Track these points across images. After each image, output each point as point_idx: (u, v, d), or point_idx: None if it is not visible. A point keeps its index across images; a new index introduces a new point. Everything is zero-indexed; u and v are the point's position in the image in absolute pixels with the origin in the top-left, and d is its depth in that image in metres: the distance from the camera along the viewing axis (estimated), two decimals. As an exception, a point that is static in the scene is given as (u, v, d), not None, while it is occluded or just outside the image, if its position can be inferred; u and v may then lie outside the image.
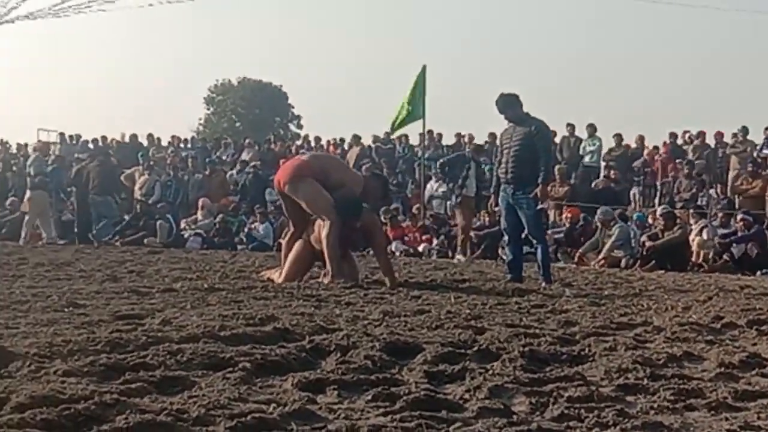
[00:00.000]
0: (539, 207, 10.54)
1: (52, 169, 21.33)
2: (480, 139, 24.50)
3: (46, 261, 12.40)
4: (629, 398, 3.81)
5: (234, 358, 4.34)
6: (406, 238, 19.22)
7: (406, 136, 24.71)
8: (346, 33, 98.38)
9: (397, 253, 17.61)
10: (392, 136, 24.57)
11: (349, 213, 9.62)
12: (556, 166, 20.32)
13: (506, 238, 10.99)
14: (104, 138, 28.54)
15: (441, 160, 18.63)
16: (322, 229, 9.56)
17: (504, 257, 16.64)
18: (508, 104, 10.32)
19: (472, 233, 18.27)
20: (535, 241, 10.57)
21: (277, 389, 3.85)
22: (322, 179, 9.66)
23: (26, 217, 20.01)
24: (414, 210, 20.81)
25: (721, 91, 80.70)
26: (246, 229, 20.53)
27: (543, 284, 9.97)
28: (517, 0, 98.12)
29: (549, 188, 11.06)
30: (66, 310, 6.39)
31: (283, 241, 10.60)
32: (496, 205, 10.91)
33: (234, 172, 24.42)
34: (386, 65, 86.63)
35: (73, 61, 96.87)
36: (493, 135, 24.09)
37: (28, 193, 20.21)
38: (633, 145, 22.41)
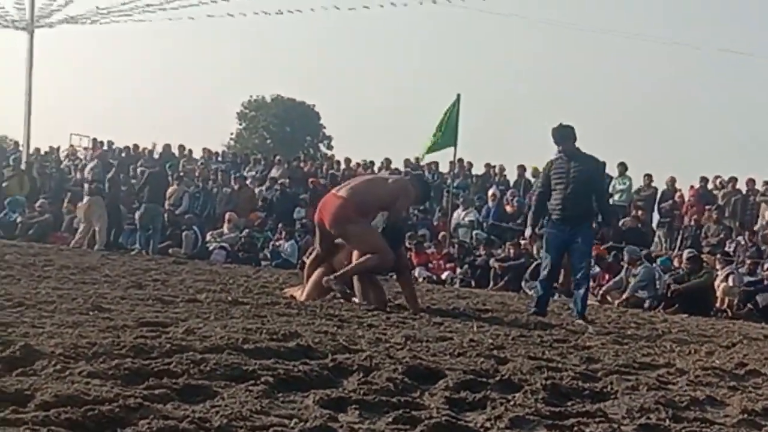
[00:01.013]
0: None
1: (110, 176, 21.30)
2: (510, 171, 24.55)
3: (71, 264, 12.48)
4: (650, 438, 3.79)
5: (257, 371, 4.35)
6: (430, 265, 19.23)
7: (437, 164, 24.78)
8: (382, 57, 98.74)
9: (420, 279, 17.61)
10: (422, 162, 24.60)
11: (396, 244, 9.71)
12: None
13: (544, 273, 10.56)
14: (136, 147, 28.71)
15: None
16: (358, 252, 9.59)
17: (530, 290, 16.66)
18: (566, 136, 10.07)
19: (496, 264, 18.25)
20: (582, 278, 10.32)
21: (298, 405, 3.85)
22: (366, 211, 9.71)
23: (81, 223, 20.03)
24: (440, 237, 20.80)
25: (756, 137, 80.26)
26: (271, 246, 20.59)
27: (576, 320, 9.87)
28: (553, 36, 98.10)
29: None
30: (91, 313, 6.43)
31: (307, 260, 10.63)
32: (534, 239, 10.79)
33: (263, 188, 24.50)
34: (420, 91, 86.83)
35: (110, 67, 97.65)
36: (522, 167, 24.12)
37: (85, 199, 20.22)
38: (663, 187, 22.36)
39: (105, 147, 30.27)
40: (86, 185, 20.25)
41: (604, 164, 10.20)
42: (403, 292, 10.04)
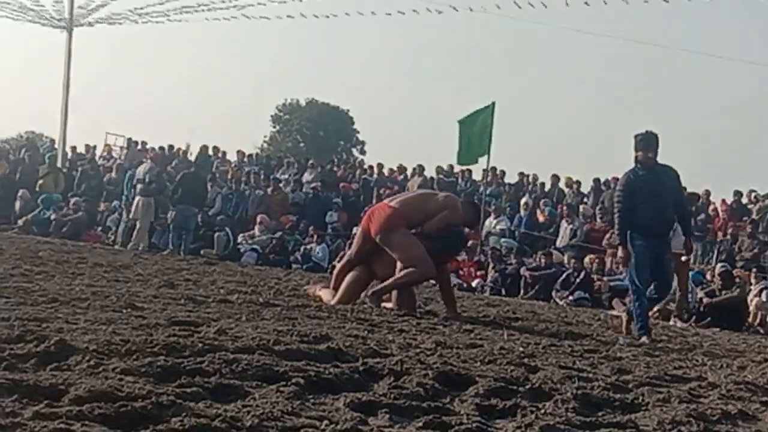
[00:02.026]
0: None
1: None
2: (544, 181, 24.49)
3: (105, 262, 12.57)
4: (681, 451, 3.76)
5: (288, 372, 4.36)
6: (460, 272, 19.19)
7: (470, 171, 24.73)
8: (417, 63, 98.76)
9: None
10: (457, 169, 24.56)
11: (455, 250, 9.72)
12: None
13: (636, 289, 9.94)
14: (171, 147, 28.88)
15: None
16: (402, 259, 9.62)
17: (560, 300, 16.59)
18: (652, 144, 9.69)
19: (526, 273, 18.19)
20: (660, 291, 10.08)
21: (329, 407, 3.86)
22: (413, 224, 9.75)
23: (138, 223, 20.14)
24: (470, 244, 20.76)
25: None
26: (302, 249, 20.64)
27: (642, 338, 9.48)
28: (589, 45, 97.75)
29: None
30: (124, 310, 6.48)
31: (337, 264, 10.66)
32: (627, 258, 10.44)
33: (295, 191, 24.56)
34: (455, 98, 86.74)
35: (147, 67, 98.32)
36: (555, 177, 24.05)
37: (137, 199, 20.30)
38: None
39: (139, 147, 30.49)
40: (139, 186, 20.24)
41: (678, 175, 9.85)
42: (442, 295, 10.04)
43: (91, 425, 3.01)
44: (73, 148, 30.67)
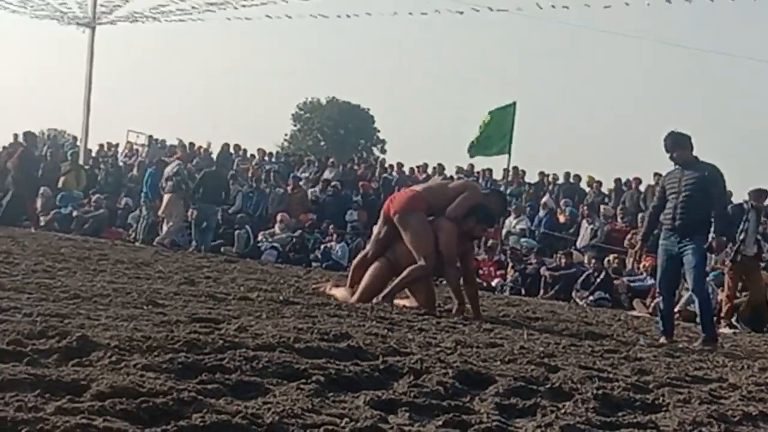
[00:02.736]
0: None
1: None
2: (561, 179, 24.41)
3: (126, 259, 12.62)
4: (702, 452, 3.75)
5: (308, 370, 4.37)
6: (480, 272, 19.16)
7: (490, 170, 24.69)
8: (438, 63, 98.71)
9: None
10: (476, 166, 24.50)
11: (489, 222, 10.15)
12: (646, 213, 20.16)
13: (658, 288, 10.22)
14: (192, 144, 28.96)
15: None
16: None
17: (580, 300, 16.56)
18: (678, 144, 9.58)
19: (546, 272, 18.16)
20: (694, 296, 9.85)
21: (349, 405, 3.86)
22: (433, 209, 9.79)
23: (169, 220, 20.15)
24: (490, 244, 20.74)
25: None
26: (322, 248, 20.66)
27: (700, 344, 9.34)
28: (613, 44, 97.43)
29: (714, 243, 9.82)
30: (145, 307, 6.51)
31: (354, 262, 10.64)
32: (641, 253, 10.43)
33: (315, 189, 24.58)
34: (476, 98, 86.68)
35: (168, 66, 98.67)
36: (578, 177, 23.98)
37: (166, 197, 20.25)
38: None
39: (159, 145, 30.62)
40: (168, 182, 20.20)
41: (718, 170, 9.56)
42: (466, 293, 10.00)
43: (113, 420, 3.02)
44: (101, 146, 30.83)
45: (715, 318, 14.76)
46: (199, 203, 19.87)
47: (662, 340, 9.34)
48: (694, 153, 9.64)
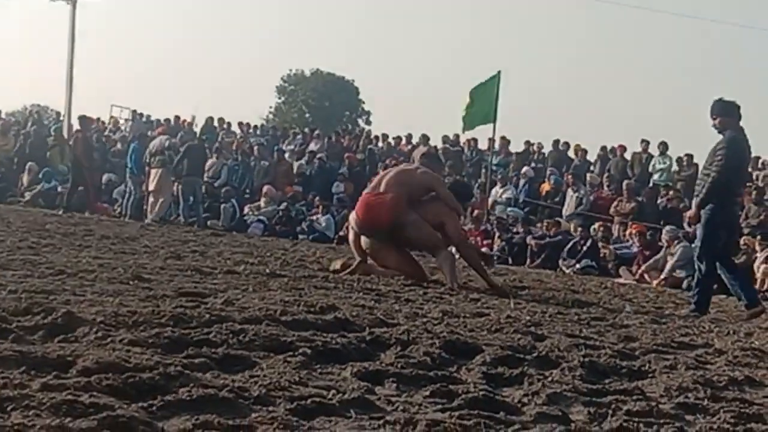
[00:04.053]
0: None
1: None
2: (548, 149, 24.43)
3: (111, 234, 12.60)
4: (689, 417, 3.75)
5: (295, 342, 4.37)
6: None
7: (475, 140, 24.64)
8: (422, 33, 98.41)
9: (458, 256, 17.55)
10: (463, 135, 24.46)
11: (465, 198, 10.30)
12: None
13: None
14: (177, 118, 28.83)
15: None
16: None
17: (566, 269, 16.61)
18: (725, 111, 9.30)
19: (533, 241, 18.18)
20: (702, 265, 9.51)
21: (336, 377, 3.87)
22: (414, 201, 9.86)
23: (158, 196, 19.98)
24: (476, 214, 20.73)
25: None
26: (308, 220, 20.64)
27: (690, 309, 9.28)
28: (595, 13, 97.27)
29: (696, 211, 9.43)
30: (131, 282, 6.51)
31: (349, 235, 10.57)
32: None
33: (301, 162, 24.51)
34: (460, 68, 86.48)
35: (151, 39, 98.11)
36: (566, 144, 23.99)
37: (153, 172, 20.03)
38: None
39: (144, 119, 30.47)
40: (153, 158, 20.01)
41: (735, 140, 9.18)
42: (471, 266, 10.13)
43: (99, 396, 3.02)
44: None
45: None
46: (185, 177, 19.82)
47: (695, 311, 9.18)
48: (741, 123, 9.35)
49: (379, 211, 9.69)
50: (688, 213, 9.21)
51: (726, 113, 9.28)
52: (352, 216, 10.16)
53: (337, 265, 10.05)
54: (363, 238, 9.89)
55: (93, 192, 21.13)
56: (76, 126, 28.79)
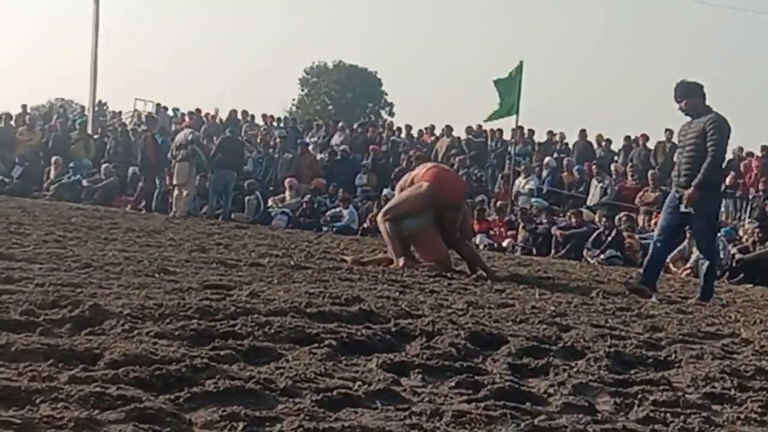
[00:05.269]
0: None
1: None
2: (571, 139, 24.34)
3: (136, 227, 12.65)
4: (715, 407, 3.74)
5: (320, 334, 4.39)
6: (491, 232, 19.15)
7: (500, 131, 24.59)
8: (445, 23, 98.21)
9: (482, 247, 17.54)
10: (484, 126, 24.40)
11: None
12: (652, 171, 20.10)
13: (656, 236, 9.71)
14: (198, 111, 28.90)
15: None
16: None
17: (591, 259, 16.57)
18: (688, 92, 9.15)
19: (557, 232, 18.12)
20: (702, 256, 9.43)
21: (362, 368, 3.88)
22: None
23: (182, 189, 19.92)
24: (500, 204, 20.69)
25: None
26: (331, 212, 20.64)
27: (697, 299, 9.06)
28: (617, 2, 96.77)
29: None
30: (157, 275, 6.54)
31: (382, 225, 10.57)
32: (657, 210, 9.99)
33: (324, 154, 24.51)
34: (482, 58, 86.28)
35: (175, 33, 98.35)
36: (583, 132, 23.90)
37: (178, 165, 19.75)
38: (729, 156, 22.10)
39: (170, 113, 30.54)
40: (178, 151, 19.97)
41: (720, 120, 8.98)
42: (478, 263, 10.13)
43: (127, 388, 3.04)
44: (102, 106, 30.80)
45: (728, 272, 14.79)
46: (218, 169, 19.90)
47: (638, 286, 9.15)
48: (707, 103, 9.25)
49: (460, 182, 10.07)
50: (687, 193, 8.92)
51: (691, 94, 9.18)
52: (431, 186, 10.03)
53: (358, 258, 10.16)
54: (411, 221, 9.94)
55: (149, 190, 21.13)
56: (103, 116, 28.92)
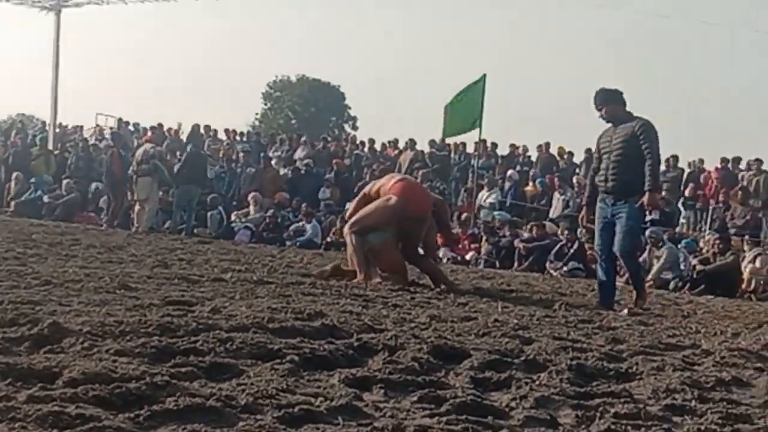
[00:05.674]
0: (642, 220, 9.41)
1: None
2: (532, 151, 24.48)
3: (98, 243, 12.56)
4: (676, 419, 3.76)
5: (282, 350, 4.37)
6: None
7: (464, 144, 24.65)
8: (408, 38, 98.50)
9: (445, 260, 17.57)
10: (446, 141, 24.44)
11: None
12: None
13: (599, 256, 9.59)
14: (161, 125, 28.78)
15: None
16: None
17: (554, 271, 16.64)
18: (608, 99, 9.20)
19: (520, 244, 18.19)
20: (622, 261, 9.47)
21: (324, 384, 3.86)
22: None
23: (144, 204, 19.77)
24: (463, 218, 20.74)
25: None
26: (294, 226, 20.61)
27: (633, 305, 9.18)
28: (575, 15, 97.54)
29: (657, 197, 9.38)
30: (118, 292, 6.48)
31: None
32: (587, 219, 9.92)
33: (288, 168, 24.47)
34: (446, 72, 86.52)
35: (136, 47, 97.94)
36: (546, 145, 24.07)
37: (142, 180, 19.75)
38: (687, 169, 22.41)
39: (131, 128, 30.39)
40: (140, 166, 19.81)
41: (649, 125, 9.01)
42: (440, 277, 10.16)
43: (86, 407, 3.01)
44: (64, 127, 30.57)
45: (689, 284, 14.89)
46: (182, 184, 19.82)
47: (600, 308, 9.03)
48: (628, 109, 9.28)
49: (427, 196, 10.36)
50: (646, 199, 8.94)
51: (611, 101, 9.22)
52: (399, 201, 9.99)
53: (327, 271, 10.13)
54: (375, 236, 9.93)
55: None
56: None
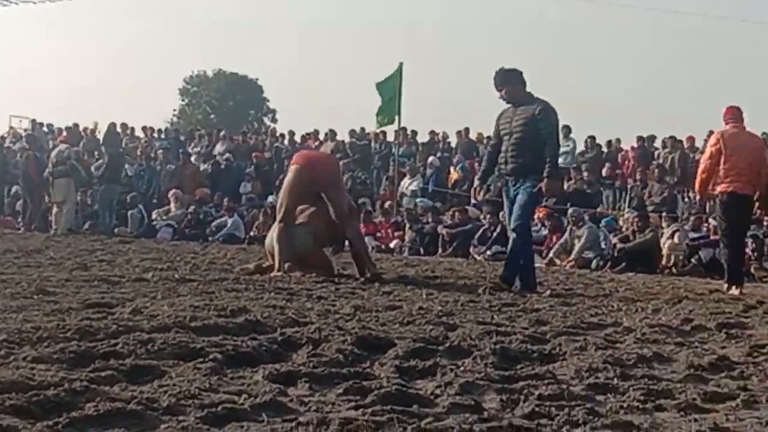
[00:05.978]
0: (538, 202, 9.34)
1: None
2: (453, 138, 24.62)
3: (15, 248, 12.33)
4: (599, 397, 3.80)
5: (205, 348, 4.32)
6: (378, 234, 19.22)
7: (384, 133, 24.70)
8: (322, 28, 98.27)
9: (370, 249, 17.54)
10: (377, 130, 24.42)
11: None
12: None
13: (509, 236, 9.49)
14: (76, 125, 28.31)
15: None
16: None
17: (478, 256, 16.76)
18: (508, 80, 9.12)
19: (443, 231, 18.27)
20: (515, 236, 9.14)
21: (247, 380, 3.83)
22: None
23: (62, 207, 19.43)
24: (386, 206, 20.78)
25: (692, 95, 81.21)
26: (217, 221, 20.47)
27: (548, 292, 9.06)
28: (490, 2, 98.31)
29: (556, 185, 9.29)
30: (35, 297, 6.35)
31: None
32: (480, 193, 10.21)
33: (208, 164, 24.27)
34: (362, 61, 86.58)
35: (48, 47, 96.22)
36: (466, 131, 24.23)
37: (58, 181, 19.50)
38: (605, 149, 22.75)
39: (45, 129, 29.84)
40: (56, 168, 19.46)
41: (549, 107, 9.00)
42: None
43: (2, 417, 2.93)
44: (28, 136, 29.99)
45: (610, 262, 15.13)
46: (106, 184, 19.63)
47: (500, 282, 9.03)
48: (528, 89, 9.24)
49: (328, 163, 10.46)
50: (544, 185, 8.91)
51: (511, 82, 9.18)
52: (295, 168, 10.25)
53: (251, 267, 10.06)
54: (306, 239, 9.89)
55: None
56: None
